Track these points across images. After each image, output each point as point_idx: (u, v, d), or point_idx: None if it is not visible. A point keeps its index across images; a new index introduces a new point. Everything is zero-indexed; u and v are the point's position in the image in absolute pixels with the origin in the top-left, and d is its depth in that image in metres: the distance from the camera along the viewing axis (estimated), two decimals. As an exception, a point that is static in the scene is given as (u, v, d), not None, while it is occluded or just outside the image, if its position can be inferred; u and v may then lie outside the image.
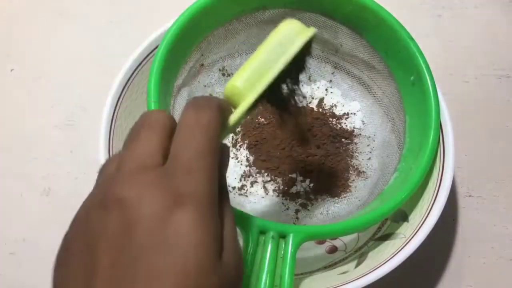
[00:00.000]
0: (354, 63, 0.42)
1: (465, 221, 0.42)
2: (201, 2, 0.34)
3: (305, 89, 0.45)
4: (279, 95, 0.29)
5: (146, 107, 0.31)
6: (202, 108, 0.20)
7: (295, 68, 0.27)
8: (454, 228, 0.41)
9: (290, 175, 0.41)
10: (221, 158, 0.22)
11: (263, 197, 0.40)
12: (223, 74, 0.43)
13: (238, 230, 0.29)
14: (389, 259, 0.32)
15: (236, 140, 0.43)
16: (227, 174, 0.41)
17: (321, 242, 0.40)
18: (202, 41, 0.37)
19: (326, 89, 0.45)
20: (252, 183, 0.41)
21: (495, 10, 0.52)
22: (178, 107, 0.37)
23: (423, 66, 0.35)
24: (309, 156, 0.41)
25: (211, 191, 0.19)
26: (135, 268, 0.17)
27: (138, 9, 0.53)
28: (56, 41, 0.51)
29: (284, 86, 0.28)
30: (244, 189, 0.41)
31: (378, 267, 0.32)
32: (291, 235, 0.29)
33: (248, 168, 0.41)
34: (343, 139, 0.42)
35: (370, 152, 0.42)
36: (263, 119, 0.43)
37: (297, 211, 0.40)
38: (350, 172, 0.41)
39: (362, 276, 0.31)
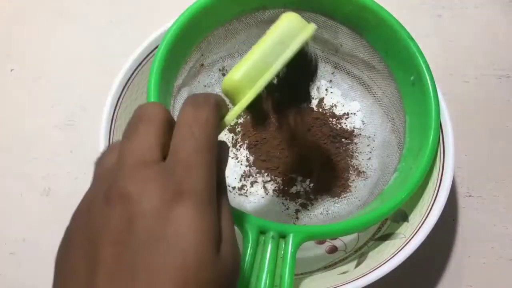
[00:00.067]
0: (354, 63, 0.42)
1: (465, 221, 0.42)
2: (201, 2, 0.34)
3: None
4: (280, 96, 0.29)
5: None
6: (200, 105, 0.21)
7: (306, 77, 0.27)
8: (454, 228, 0.41)
9: (290, 175, 0.41)
10: (220, 155, 0.22)
11: (263, 197, 0.40)
12: (223, 74, 0.43)
13: (238, 230, 0.29)
14: (389, 259, 0.32)
15: (236, 140, 0.43)
16: (227, 174, 0.41)
17: (321, 242, 0.39)
18: (202, 41, 0.37)
19: (326, 89, 0.45)
20: (252, 183, 0.41)
21: (495, 10, 0.52)
22: (178, 107, 0.37)
23: (423, 66, 0.35)
24: (309, 156, 0.41)
25: (209, 186, 0.19)
26: (136, 263, 0.17)
27: (138, 9, 0.53)
28: (56, 41, 0.51)
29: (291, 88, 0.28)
30: (244, 189, 0.41)
31: (378, 267, 0.32)
32: (291, 235, 0.29)
33: (248, 168, 0.41)
34: (343, 139, 0.42)
35: (370, 152, 0.42)
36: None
37: (297, 211, 0.40)
38: (350, 172, 0.41)
39: (362, 276, 0.31)
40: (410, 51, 0.36)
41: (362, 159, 0.42)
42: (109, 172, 0.20)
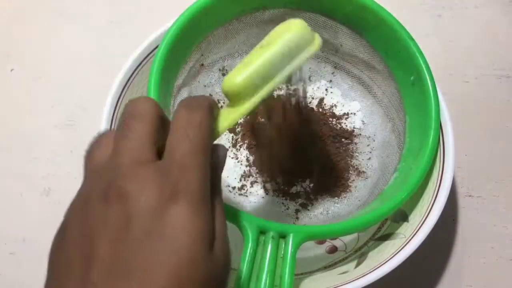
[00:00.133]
0: (354, 63, 0.42)
1: (465, 221, 0.42)
2: (201, 2, 0.34)
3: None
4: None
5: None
6: (194, 108, 0.22)
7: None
8: (454, 228, 0.41)
9: (290, 175, 0.41)
10: (216, 159, 0.23)
11: (263, 197, 0.40)
12: (223, 74, 0.43)
13: (238, 230, 0.29)
14: (389, 259, 0.32)
15: (236, 140, 0.43)
16: (227, 174, 0.41)
17: (321, 242, 0.39)
18: (202, 41, 0.37)
19: (326, 89, 0.45)
20: (252, 183, 0.41)
21: (495, 10, 0.52)
22: (178, 107, 0.37)
23: (423, 66, 0.35)
24: (309, 156, 0.41)
25: (204, 187, 0.20)
26: (131, 260, 0.17)
27: (138, 9, 0.53)
28: (56, 41, 0.51)
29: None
30: (244, 189, 0.41)
31: (378, 267, 0.32)
32: (291, 235, 0.29)
33: (248, 168, 0.41)
34: (343, 139, 0.42)
35: (370, 152, 0.42)
36: (263, 119, 0.43)
37: (297, 211, 0.40)
38: (350, 172, 0.41)
39: (362, 276, 0.31)
40: (410, 51, 0.36)
41: (362, 159, 0.42)
42: (104, 170, 0.20)
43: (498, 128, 0.46)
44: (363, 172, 0.41)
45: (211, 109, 0.23)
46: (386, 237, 0.36)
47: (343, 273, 0.35)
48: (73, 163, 0.44)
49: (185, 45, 0.36)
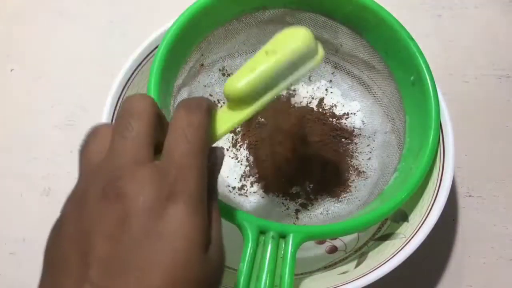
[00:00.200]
0: (354, 63, 0.42)
1: (465, 221, 0.42)
2: (201, 2, 0.34)
3: (305, 89, 0.45)
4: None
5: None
6: (193, 110, 0.22)
7: None
8: (454, 228, 0.41)
9: (290, 175, 0.41)
10: (214, 160, 0.23)
11: (263, 197, 0.40)
12: (223, 74, 0.43)
13: (238, 230, 0.29)
14: (389, 259, 0.32)
15: (236, 140, 0.43)
16: (227, 174, 0.41)
17: (321, 242, 0.39)
18: (202, 41, 0.37)
19: (326, 89, 0.45)
20: (252, 183, 0.41)
21: (495, 10, 0.52)
22: (178, 107, 0.37)
23: (423, 66, 0.35)
24: (309, 156, 0.41)
25: (201, 188, 0.20)
26: (128, 258, 0.18)
27: (138, 9, 0.53)
28: (56, 41, 0.51)
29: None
30: (244, 189, 0.41)
31: (378, 267, 0.32)
32: (291, 235, 0.29)
33: (248, 168, 0.41)
34: (343, 139, 0.42)
35: (370, 152, 0.42)
36: (263, 119, 0.43)
37: (297, 211, 0.40)
38: (350, 172, 0.41)
39: (362, 276, 0.31)
40: (410, 51, 0.36)
41: (362, 159, 0.42)
42: (101, 168, 0.20)
43: (498, 128, 0.46)
44: (363, 172, 0.41)
45: (210, 110, 0.23)
46: (386, 237, 0.36)
47: (343, 273, 0.35)
48: (73, 163, 0.44)
49: (185, 45, 0.36)
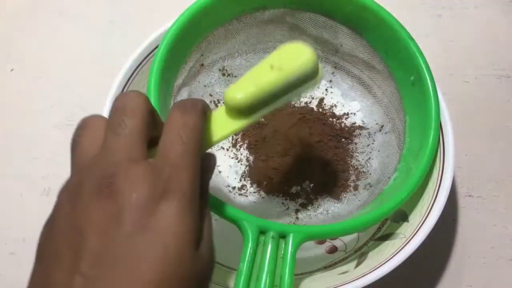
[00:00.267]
0: (354, 63, 0.42)
1: (465, 221, 0.42)
2: (201, 2, 0.34)
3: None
4: None
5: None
6: (188, 111, 0.22)
7: None
8: (454, 228, 0.41)
9: (290, 175, 0.41)
10: (208, 163, 0.24)
11: (263, 197, 0.40)
12: (223, 74, 0.43)
13: (238, 230, 0.29)
14: (389, 259, 0.32)
15: (236, 140, 0.43)
16: (227, 174, 0.41)
17: (321, 242, 0.39)
18: (202, 41, 0.37)
19: (326, 89, 0.45)
20: (252, 183, 0.41)
21: (495, 10, 0.52)
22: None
23: (423, 66, 0.35)
24: (309, 156, 0.41)
25: (194, 187, 0.20)
26: (120, 253, 0.18)
27: (138, 9, 0.53)
28: (56, 41, 0.51)
29: None
30: (244, 189, 0.41)
31: (378, 267, 0.32)
32: (291, 235, 0.29)
33: (248, 168, 0.41)
34: (343, 139, 0.42)
35: (370, 152, 0.42)
36: (263, 119, 0.43)
37: (297, 211, 0.40)
38: (350, 172, 0.41)
39: (362, 276, 0.31)
40: (410, 51, 0.36)
41: (362, 159, 0.42)
42: (94, 164, 0.20)
43: (498, 128, 0.46)
44: (363, 172, 0.41)
45: (205, 112, 0.23)
46: (386, 237, 0.36)
47: (343, 273, 0.35)
48: (73, 163, 0.44)
49: (185, 45, 0.36)
